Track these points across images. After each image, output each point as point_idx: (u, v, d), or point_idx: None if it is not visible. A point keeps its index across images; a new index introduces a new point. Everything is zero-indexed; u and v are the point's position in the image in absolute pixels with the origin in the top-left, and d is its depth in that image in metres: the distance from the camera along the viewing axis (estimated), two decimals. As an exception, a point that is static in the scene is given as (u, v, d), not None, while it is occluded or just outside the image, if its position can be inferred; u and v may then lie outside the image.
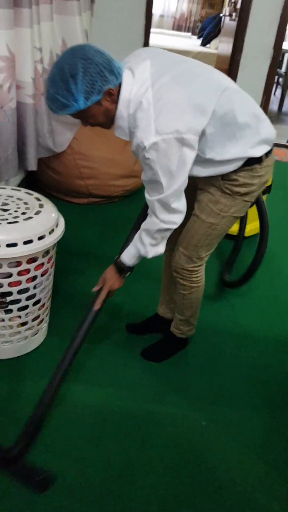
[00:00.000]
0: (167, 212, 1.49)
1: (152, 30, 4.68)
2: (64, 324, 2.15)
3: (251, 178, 1.54)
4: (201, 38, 7.96)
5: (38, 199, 1.88)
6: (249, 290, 2.56)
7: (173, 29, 9.31)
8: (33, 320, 1.93)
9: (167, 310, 2.09)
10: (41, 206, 1.82)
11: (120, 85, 1.39)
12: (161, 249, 1.60)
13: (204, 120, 1.39)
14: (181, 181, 1.43)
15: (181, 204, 1.50)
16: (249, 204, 1.65)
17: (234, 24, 4.73)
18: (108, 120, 1.46)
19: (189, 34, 9.12)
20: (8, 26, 2.22)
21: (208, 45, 7.72)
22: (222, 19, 5.90)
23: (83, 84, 1.31)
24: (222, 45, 5.54)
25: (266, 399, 1.91)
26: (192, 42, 8.05)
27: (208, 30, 7.61)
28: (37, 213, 1.76)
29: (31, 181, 3.26)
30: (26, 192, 1.92)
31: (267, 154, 1.54)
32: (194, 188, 1.66)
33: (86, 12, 3.40)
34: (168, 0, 9.12)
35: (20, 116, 2.55)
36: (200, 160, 1.48)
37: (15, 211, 1.76)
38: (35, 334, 2.00)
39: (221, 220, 1.62)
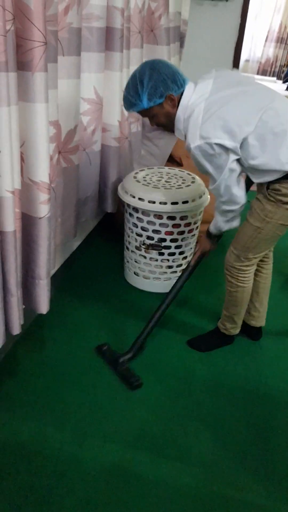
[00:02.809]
0: (225, 196, 1.77)
1: (238, 74, 4.62)
2: (199, 279, 2.64)
3: None
4: (287, 83, 7.83)
5: (189, 174, 2.63)
6: None
7: (258, 73, 9.23)
8: (177, 266, 2.60)
9: (250, 317, 2.27)
10: (193, 179, 2.54)
11: (182, 94, 1.71)
12: (235, 223, 1.90)
13: (245, 131, 1.61)
14: (231, 170, 1.68)
15: (238, 189, 1.75)
16: None
17: None
18: (169, 122, 1.77)
19: (274, 78, 9.00)
20: (99, 69, 2.20)
21: (293, 90, 7.56)
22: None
23: (148, 87, 1.66)
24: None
25: None
26: (277, 87, 7.93)
27: (294, 75, 7.47)
28: (191, 184, 2.50)
29: (108, 220, 3.21)
30: (180, 170, 2.69)
31: None
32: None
33: (175, 56, 3.38)
34: (254, 45, 9.11)
35: (104, 159, 2.50)
36: (243, 166, 1.72)
37: (175, 182, 2.52)
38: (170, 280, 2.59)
39: (266, 225, 1.79)
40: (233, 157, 1.66)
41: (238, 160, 1.71)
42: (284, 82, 8.18)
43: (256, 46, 9.09)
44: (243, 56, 9.18)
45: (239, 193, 1.77)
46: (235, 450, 1.75)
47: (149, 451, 1.71)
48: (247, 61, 9.23)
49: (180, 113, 1.71)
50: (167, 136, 3.20)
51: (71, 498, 1.52)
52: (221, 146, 1.62)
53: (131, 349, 2.11)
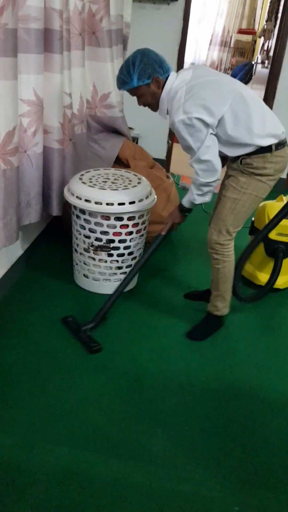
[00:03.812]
0: (204, 169, 1.98)
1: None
2: (151, 281, 2.80)
3: (264, 163, 1.98)
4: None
5: (135, 175, 2.66)
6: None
7: (203, 76, 9.43)
8: (126, 267, 2.58)
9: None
10: (139, 180, 2.56)
11: (166, 79, 1.99)
12: (207, 198, 2.08)
13: (220, 109, 1.89)
14: (209, 141, 1.92)
15: (217, 158, 1.97)
16: (266, 186, 2.05)
17: (266, 71, 4.69)
18: (154, 101, 2.04)
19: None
20: (37, 71, 2.17)
21: (238, 92, 7.74)
22: (254, 66, 5.90)
23: (138, 68, 1.94)
24: (254, 93, 5.51)
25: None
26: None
27: (238, 77, 7.64)
28: (137, 184, 2.50)
29: (56, 223, 3.17)
30: (126, 171, 2.71)
31: (278, 147, 1.98)
32: (223, 180, 2.17)
33: (118, 59, 3.38)
34: (199, 48, 9.28)
35: (47, 161, 2.48)
36: (221, 141, 1.98)
37: (122, 183, 2.51)
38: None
39: (242, 196, 2.05)
40: (211, 131, 1.92)
41: (215, 135, 1.97)
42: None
43: (201, 49, 9.26)
44: (189, 59, 9.31)
45: (216, 162, 1.97)
46: (187, 445, 1.77)
47: (101, 452, 1.70)
48: (192, 64, 9.39)
49: (164, 94, 1.99)
50: (113, 138, 3.20)
51: (22, 504, 1.49)
52: (200, 120, 1.88)
53: (93, 319, 2.27)
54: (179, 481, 1.63)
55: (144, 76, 1.96)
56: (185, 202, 2.18)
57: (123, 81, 2.01)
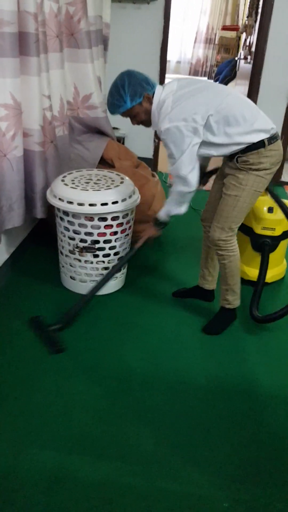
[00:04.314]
0: (181, 179, 2.05)
1: (169, 75, 4.68)
2: (138, 282, 2.80)
3: (259, 158, 2.03)
4: (217, 82, 8.02)
5: (118, 174, 2.65)
6: (276, 349, 2.36)
7: (189, 74, 9.43)
8: (113, 267, 2.52)
9: (204, 281, 2.57)
10: (122, 180, 2.55)
11: (154, 93, 2.06)
12: (183, 209, 2.18)
13: (206, 115, 1.95)
14: (189, 154, 1.99)
15: (193, 174, 2.04)
16: (264, 180, 2.10)
17: (249, 66, 4.69)
18: (148, 118, 2.11)
19: (205, 78, 9.23)
20: (14, 74, 2.16)
21: (224, 89, 7.75)
22: (238, 62, 5.91)
23: (129, 90, 2.02)
24: (238, 88, 5.51)
25: (298, 475, 1.67)
26: (209, 86, 8.12)
27: (224, 74, 7.66)
28: (120, 184, 2.49)
29: (42, 226, 3.16)
30: (108, 171, 2.70)
31: (271, 141, 2.02)
32: (223, 179, 2.19)
33: (98, 60, 3.37)
34: (184, 47, 9.30)
35: (28, 164, 2.47)
36: (209, 144, 2.03)
37: (104, 183, 2.49)
38: (114, 280, 2.65)
39: (242, 192, 2.10)
40: (196, 140, 1.98)
41: (200, 144, 2.01)
42: (215, 81, 8.38)
43: (186, 47, 9.28)
44: (175, 58, 9.34)
45: (193, 175, 2.05)
46: (175, 444, 1.77)
47: (89, 454, 1.70)
48: (178, 62, 9.40)
49: (154, 107, 2.05)
50: (97, 139, 3.19)
51: (9, 509, 1.49)
52: (184, 128, 1.95)
53: (61, 320, 2.31)
54: (168, 480, 1.63)
55: (136, 96, 2.03)
56: (162, 214, 2.24)
57: (116, 105, 2.08)
